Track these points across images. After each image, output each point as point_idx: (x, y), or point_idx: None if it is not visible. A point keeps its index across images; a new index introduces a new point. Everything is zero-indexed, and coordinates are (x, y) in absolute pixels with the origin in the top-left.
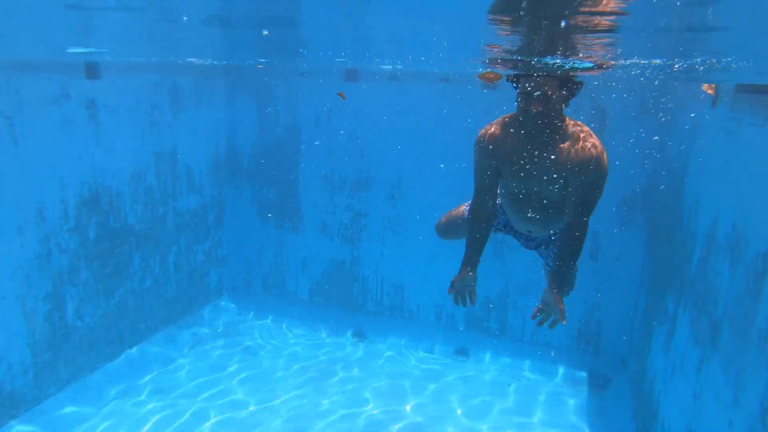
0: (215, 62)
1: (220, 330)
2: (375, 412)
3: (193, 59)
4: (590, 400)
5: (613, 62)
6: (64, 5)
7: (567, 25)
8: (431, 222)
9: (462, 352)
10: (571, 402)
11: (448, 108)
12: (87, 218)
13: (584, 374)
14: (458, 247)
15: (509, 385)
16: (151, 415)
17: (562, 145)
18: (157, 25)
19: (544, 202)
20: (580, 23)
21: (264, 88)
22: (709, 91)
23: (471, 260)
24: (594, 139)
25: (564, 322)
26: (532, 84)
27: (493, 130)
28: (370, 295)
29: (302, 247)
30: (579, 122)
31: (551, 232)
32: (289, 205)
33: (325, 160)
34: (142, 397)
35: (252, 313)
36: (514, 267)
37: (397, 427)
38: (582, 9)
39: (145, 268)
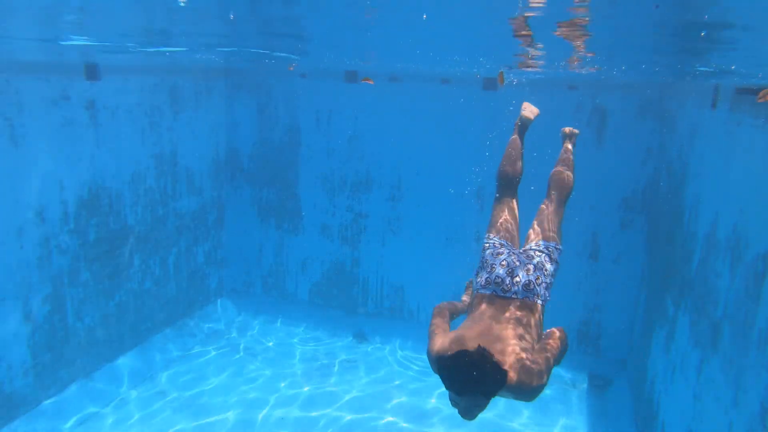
0: (217, 57)
1: (219, 331)
2: (377, 410)
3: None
4: (590, 401)
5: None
6: None
7: None
8: (431, 222)
9: None
10: (572, 403)
11: (448, 109)
12: (87, 219)
13: (584, 376)
14: (457, 249)
15: None
16: (150, 416)
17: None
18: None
19: None
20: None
21: (264, 89)
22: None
23: None
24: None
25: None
26: (460, 398)
27: (441, 356)
28: (370, 296)
29: (302, 248)
30: (521, 357)
31: None
32: (289, 206)
33: (325, 161)
34: (142, 399)
35: (252, 314)
36: None
37: (398, 428)
38: None
39: (145, 269)
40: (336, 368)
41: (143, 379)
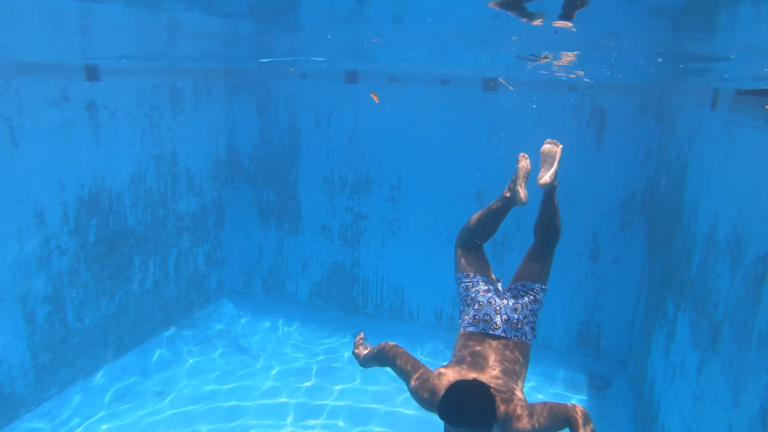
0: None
1: (219, 332)
2: (376, 414)
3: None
4: (590, 402)
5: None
6: None
7: None
8: (431, 223)
9: None
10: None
11: (448, 110)
12: (87, 220)
13: (584, 376)
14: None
15: None
16: (150, 418)
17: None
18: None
19: None
20: None
21: (264, 90)
22: None
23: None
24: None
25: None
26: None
27: (428, 395)
28: (369, 297)
29: (302, 249)
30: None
31: None
32: (288, 207)
33: (325, 162)
34: (142, 400)
35: (252, 315)
36: (514, 268)
37: (399, 428)
38: None
39: (145, 270)
40: (336, 369)
41: (143, 380)
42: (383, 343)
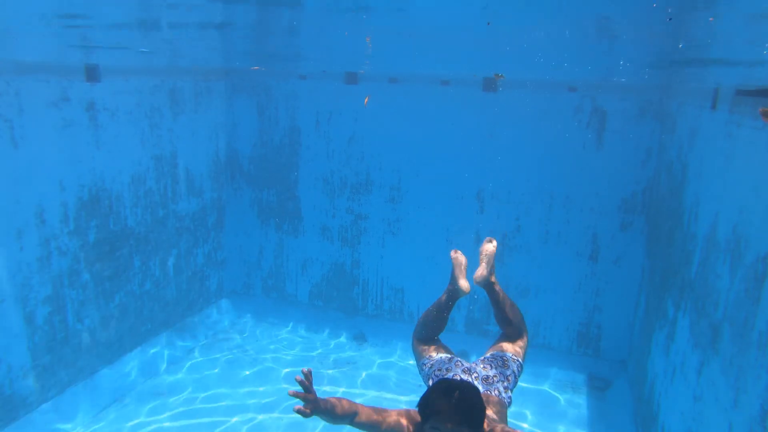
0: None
1: (219, 333)
2: None
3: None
4: (590, 402)
5: None
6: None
7: None
8: (431, 224)
9: (462, 354)
10: (571, 404)
11: (448, 110)
12: (87, 221)
13: (584, 377)
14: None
15: None
16: (149, 418)
17: None
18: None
19: None
20: None
21: (264, 91)
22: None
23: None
24: None
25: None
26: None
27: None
28: (369, 297)
29: (302, 249)
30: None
31: None
32: (288, 207)
33: (325, 163)
34: (142, 401)
35: (252, 316)
36: (514, 269)
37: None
38: None
39: (145, 271)
40: (336, 370)
41: (143, 381)
42: (335, 399)
